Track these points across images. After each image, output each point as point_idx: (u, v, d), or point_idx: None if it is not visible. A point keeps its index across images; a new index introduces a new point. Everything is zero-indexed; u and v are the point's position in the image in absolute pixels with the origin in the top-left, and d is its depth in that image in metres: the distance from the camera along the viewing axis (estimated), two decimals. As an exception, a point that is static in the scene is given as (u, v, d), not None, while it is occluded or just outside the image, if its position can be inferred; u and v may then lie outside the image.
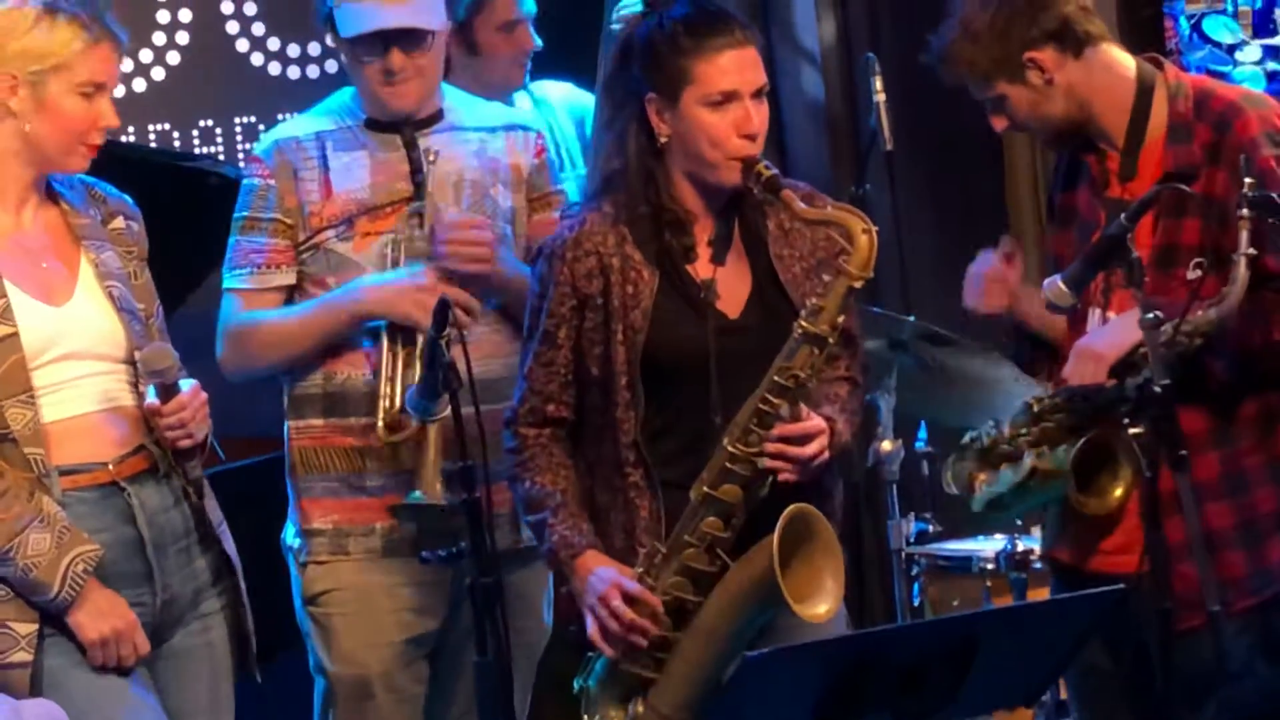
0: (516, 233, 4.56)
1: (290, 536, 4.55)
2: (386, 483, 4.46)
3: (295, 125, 4.60)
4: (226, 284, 4.53)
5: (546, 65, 5.39)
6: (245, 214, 4.51)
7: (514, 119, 4.69)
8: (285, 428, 4.56)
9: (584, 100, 5.48)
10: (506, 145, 4.59)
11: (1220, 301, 3.76)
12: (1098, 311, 4.04)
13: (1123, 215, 3.78)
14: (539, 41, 5.25)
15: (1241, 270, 3.73)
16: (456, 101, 4.62)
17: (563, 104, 5.50)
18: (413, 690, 4.53)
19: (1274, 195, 3.75)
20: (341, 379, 4.48)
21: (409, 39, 4.43)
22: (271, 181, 4.49)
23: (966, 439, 4.12)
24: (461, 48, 5.16)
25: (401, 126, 4.50)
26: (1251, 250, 3.72)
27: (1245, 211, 3.71)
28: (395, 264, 4.44)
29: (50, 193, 4.04)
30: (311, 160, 4.49)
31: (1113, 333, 3.94)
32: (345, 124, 4.53)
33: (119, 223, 4.11)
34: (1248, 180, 3.72)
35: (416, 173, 4.48)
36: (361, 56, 4.45)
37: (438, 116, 4.55)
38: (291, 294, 4.52)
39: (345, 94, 4.60)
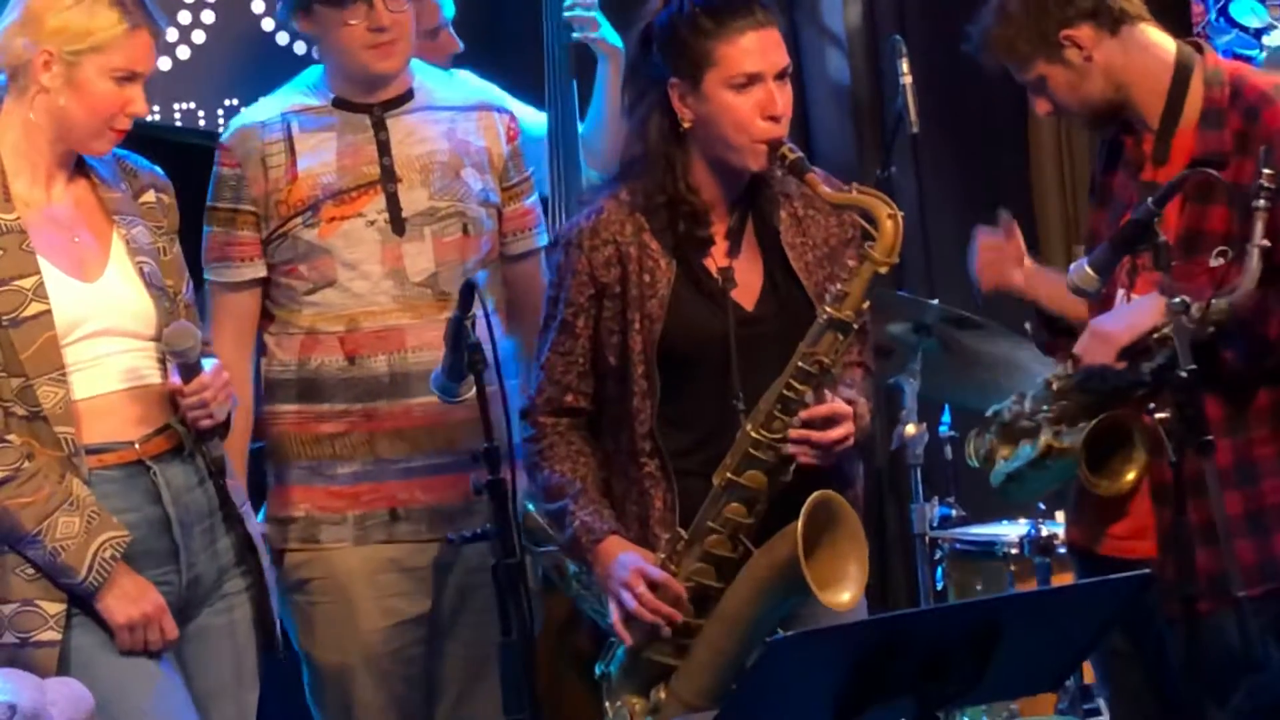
0: (488, 217, 4.50)
1: (265, 522, 4.46)
2: (358, 470, 4.43)
3: (259, 109, 4.52)
4: (205, 275, 4.46)
5: (467, 66, 5.32)
6: (215, 204, 4.45)
7: (486, 97, 4.63)
8: (259, 412, 4.48)
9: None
10: (478, 126, 4.53)
11: (1232, 292, 3.74)
12: (1123, 293, 4.03)
13: (1150, 200, 3.78)
14: (461, 44, 5.19)
15: (1254, 262, 3.71)
16: (426, 78, 4.56)
17: None
18: (400, 674, 4.45)
19: None
20: (315, 364, 4.42)
21: None
22: (239, 170, 4.43)
23: (990, 413, 4.12)
24: None
25: (370, 106, 4.45)
26: (1265, 242, 3.71)
27: (1261, 202, 3.70)
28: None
29: (80, 166, 4.02)
30: (277, 144, 4.43)
31: (1128, 315, 3.93)
32: (312, 103, 4.47)
33: (149, 196, 4.10)
34: (1265, 171, 3.71)
35: (384, 155, 4.44)
36: (346, 19, 4.36)
37: (407, 96, 4.49)
38: (265, 285, 4.47)
39: (314, 73, 4.52)
